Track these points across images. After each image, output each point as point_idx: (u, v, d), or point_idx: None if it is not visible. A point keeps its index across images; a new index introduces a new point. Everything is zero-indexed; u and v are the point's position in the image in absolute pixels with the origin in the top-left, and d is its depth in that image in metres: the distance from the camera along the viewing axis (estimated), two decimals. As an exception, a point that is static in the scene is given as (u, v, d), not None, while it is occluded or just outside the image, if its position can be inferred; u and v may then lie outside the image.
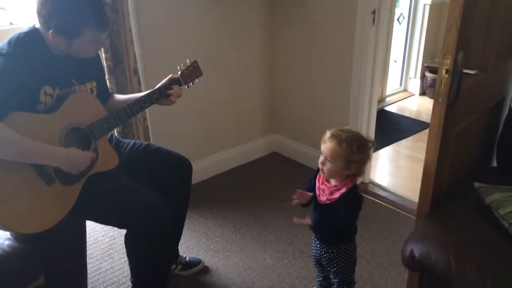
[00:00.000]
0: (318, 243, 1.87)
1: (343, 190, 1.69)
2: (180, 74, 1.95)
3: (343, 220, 1.70)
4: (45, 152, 1.57)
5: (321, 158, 1.70)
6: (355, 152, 1.64)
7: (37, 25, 1.65)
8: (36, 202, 1.60)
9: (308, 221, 1.77)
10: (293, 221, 1.78)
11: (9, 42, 1.58)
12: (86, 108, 1.74)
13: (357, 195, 1.72)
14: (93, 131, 1.74)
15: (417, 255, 1.64)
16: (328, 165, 1.68)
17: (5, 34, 2.32)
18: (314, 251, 1.91)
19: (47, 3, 1.56)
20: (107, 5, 2.23)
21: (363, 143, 1.68)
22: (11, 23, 2.59)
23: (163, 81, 1.94)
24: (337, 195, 1.70)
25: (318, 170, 1.81)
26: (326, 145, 1.67)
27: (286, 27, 3.15)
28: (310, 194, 1.79)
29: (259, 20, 3.14)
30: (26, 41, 1.60)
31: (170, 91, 1.90)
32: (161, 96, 1.90)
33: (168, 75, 1.95)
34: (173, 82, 1.92)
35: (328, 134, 1.69)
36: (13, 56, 1.55)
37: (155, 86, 1.92)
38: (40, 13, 1.59)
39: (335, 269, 1.84)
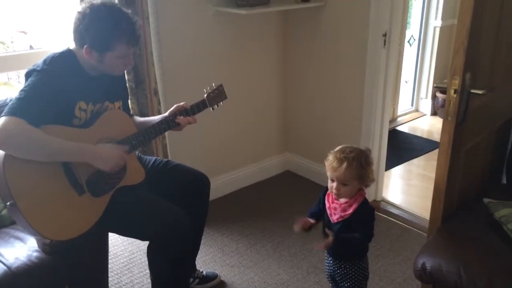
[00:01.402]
0: (331, 260, 1.89)
1: (355, 205, 1.73)
2: (206, 97, 2.05)
3: (364, 235, 1.71)
4: (73, 149, 1.66)
5: (334, 185, 1.71)
6: (364, 166, 1.69)
7: (71, 47, 1.78)
8: (67, 210, 1.70)
9: (329, 240, 1.74)
10: (314, 247, 1.80)
11: (44, 61, 1.70)
12: (118, 125, 1.86)
13: (370, 206, 1.77)
14: (128, 148, 1.84)
15: (428, 268, 1.69)
16: (344, 189, 1.70)
17: (25, 58, 2.44)
18: (327, 267, 1.94)
19: (86, 18, 1.69)
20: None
21: (365, 153, 1.73)
22: (31, 47, 2.71)
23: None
24: (350, 210, 1.73)
25: (325, 191, 1.84)
26: (338, 171, 1.68)
27: (299, 49, 3.25)
28: (312, 221, 1.80)
29: (273, 43, 3.25)
30: (61, 60, 1.72)
31: (178, 120, 1.98)
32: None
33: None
34: (183, 111, 2.01)
35: (334, 161, 1.70)
36: (48, 72, 1.67)
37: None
38: (77, 29, 1.72)
39: (348, 284, 1.86)
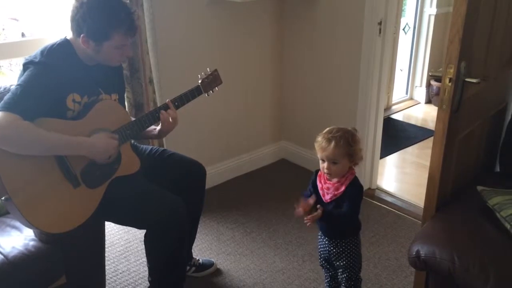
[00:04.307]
0: (325, 240, 1.93)
1: (347, 182, 1.79)
2: (201, 82, 2.03)
3: (349, 209, 1.77)
4: (70, 143, 1.66)
5: (325, 164, 1.78)
6: (352, 144, 1.76)
7: (68, 37, 1.77)
8: (63, 203, 1.70)
9: (318, 213, 1.75)
10: (299, 213, 1.76)
11: (42, 52, 1.69)
12: (111, 115, 1.85)
13: (359, 184, 1.83)
14: (118, 136, 1.83)
15: (422, 255, 1.71)
16: (335, 168, 1.77)
17: (17, 46, 2.41)
18: (321, 249, 1.97)
19: (83, 6, 1.68)
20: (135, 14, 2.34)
21: (351, 132, 1.79)
22: (23, 34, 2.68)
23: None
24: (342, 188, 1.79)
25: (316, 173, 1.90)
26: (327, 150, 1.75)
27: (294, 37, 3.24)
28: (311, 201, 1.81)
29: (268, 31, 3.24)
30: (58, 51, 1.71)
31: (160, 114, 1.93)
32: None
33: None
34: (176, 99, 1.99)
35: (322, 141, 1.77)
36: (45, 64, 1.66)
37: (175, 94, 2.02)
38: (74, 18, 1.71)
39: (344, 263, 1.89)
